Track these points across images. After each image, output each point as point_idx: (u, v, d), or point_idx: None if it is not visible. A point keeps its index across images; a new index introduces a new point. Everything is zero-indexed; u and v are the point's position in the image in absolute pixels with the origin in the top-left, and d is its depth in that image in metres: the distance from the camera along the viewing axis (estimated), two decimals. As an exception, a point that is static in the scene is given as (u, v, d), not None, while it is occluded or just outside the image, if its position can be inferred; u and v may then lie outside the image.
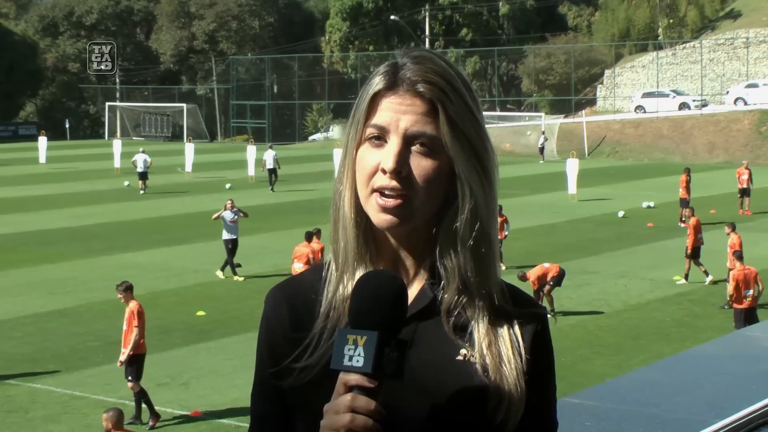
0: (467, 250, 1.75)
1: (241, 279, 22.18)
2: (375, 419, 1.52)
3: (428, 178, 1.74)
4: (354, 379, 1.53)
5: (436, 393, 1.70)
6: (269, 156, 39.17)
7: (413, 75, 1.76)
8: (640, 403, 4.38)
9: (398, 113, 1.75)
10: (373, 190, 1.74)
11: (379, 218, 1.74)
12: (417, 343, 1.72)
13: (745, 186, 32.22)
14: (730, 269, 17.24)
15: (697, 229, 21.80)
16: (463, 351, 1.73)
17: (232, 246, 22.71)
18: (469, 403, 1.71)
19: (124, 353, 13.48)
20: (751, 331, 7.52)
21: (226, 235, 22.96)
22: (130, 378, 13.36)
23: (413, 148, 1.74)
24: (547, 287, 18.48)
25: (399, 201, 1.72)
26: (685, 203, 29.63)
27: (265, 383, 1.83)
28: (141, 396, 13.30)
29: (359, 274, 1.76)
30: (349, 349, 1.53)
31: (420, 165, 1.74)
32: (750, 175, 32.20)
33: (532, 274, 18.45)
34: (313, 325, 1.78)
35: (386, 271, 1.67)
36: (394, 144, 1.74)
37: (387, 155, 1.73)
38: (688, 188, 30.19)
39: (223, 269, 22.61)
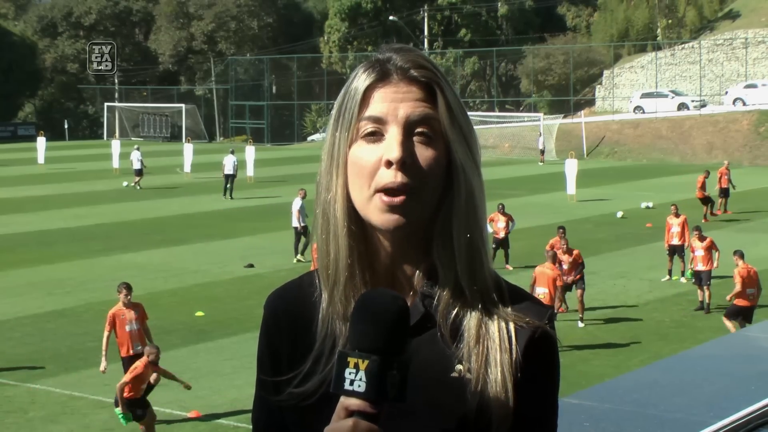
0: (463, 242, 1.68)
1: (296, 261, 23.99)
2: None
3: (431, 168, 1.66)
4: (355, 404, 1.47)
5: (429, 411, 1.65)
6: (229, 161, 36.92)
7: (403, 63, 1.70)
8: (638, 404, 4.38)
9: (395, 102, 1.67)
10: (377, 190, 1.65)
11: (385, 219, 1.65)
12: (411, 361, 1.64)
13: (725, 186, 32.72)
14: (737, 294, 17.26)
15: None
16: (458, 367, 1.66)
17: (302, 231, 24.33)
18: (463, 420, 1.65)
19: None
20: (750, 332, 7.53)
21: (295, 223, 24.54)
22: None
23: (414, 138, 1.67)
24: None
25: (405, 197, 1.64)
26: (707, 201, 30.44)
27: (265, 394, 1.80)
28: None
29: (350, 289, 1.70)
30: (350, 373, 1.46)
31: (423, 155, 1.66)
32: (729, 175, 32.88)
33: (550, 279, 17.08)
34: (311, 338, 1.73)
35: (387, 291, 1.56)
36: (395, 134, 1.65)
37: (390, 146, 1.65)
38: (703, 187, 30.60)
39: (302, 252, 24.17)
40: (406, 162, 1.65)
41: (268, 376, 1.78)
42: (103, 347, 13.64)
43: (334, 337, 1.71)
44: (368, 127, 1.68)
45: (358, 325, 1.51)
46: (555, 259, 17.57)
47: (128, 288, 13.72)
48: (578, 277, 18.77)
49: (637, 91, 63.15)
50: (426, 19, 76.10)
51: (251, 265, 23.28)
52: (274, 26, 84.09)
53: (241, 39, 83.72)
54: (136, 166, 40.09)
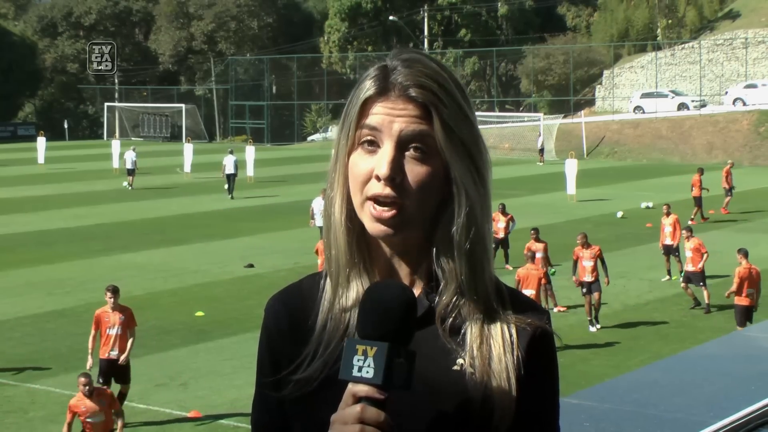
0: (463, 253, 1.71)
1: None
2: (384, 431, 1.51)
3: (423, 184, 1.69)
4: (363, 390, 1.51)
5: (431, 405, 1.68)
6: (230, 161, 36.92)
7: (404, 79, 1.71)
8: (638, 404, 4.38)
9: (391, 116, 1.70)
10: (367, 198, 1.70)
11: (374, 227, 1.70)
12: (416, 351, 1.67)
13: (730, 185, 32.63)
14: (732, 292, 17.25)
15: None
16: (459, 361, 1.70)
17: None
18: (464, 414, 1.68)
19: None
20: (750, 332, 7.53)
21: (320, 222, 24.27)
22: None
23: (407, 153, 1.69)
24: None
25: (393, 211, 1.68)
26: (698, 201, 30.28)
27: (265, 393, 1.81)
28: None
29: (353, 282, 1.74)
30: (358, 360, 1.51)
31: (414, 171, 1.69)
32: (731, 175, 32.89)
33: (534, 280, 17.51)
34: (311, 335, 1.76)
35: (397, 283, 1.63)
36: (387, 149, 1.69)
37: (380, 161, 1.68)
38: (700, 186, 30.62)
39: None
40: (395, 179, 1.68)
41: (268, 374, 1.80)
42: (89, 346, 13.68)
43: (335, 328, 1.74)
44: (366, 135, 1.72)
45: (367, 314, 1.56)
46: (533, 259, 18.02)
47: (113, 291, 13.61)
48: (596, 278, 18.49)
49: (637, 91, 63.15)
50: (426, 19, 76.09)
51: (251, 265, 23.28)
52: (274, 26, 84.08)
53: (241, 39, 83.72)
54: (129, 166, 40.21)
